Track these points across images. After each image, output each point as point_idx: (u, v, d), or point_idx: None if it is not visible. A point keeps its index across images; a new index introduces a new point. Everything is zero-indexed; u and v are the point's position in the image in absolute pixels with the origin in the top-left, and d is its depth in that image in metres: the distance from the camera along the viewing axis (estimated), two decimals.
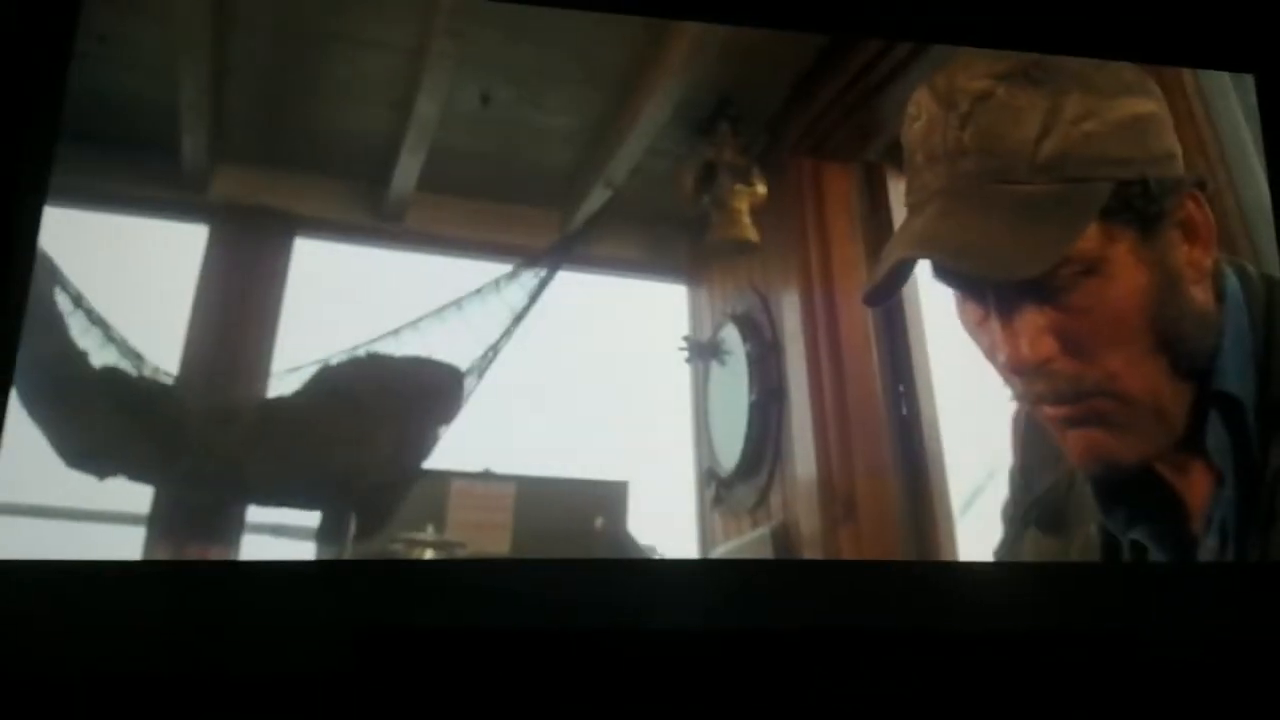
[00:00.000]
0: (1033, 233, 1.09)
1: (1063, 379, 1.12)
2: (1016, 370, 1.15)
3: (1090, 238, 1.09)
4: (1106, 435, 1.14)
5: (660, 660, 1.21)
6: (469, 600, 1.24)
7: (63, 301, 1.42)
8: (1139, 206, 1.09)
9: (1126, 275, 1.10)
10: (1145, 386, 1.12)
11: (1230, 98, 1.55)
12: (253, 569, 1.21)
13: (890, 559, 1.60)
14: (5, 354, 1.21)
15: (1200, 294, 1.13)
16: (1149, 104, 1.15)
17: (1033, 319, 1.11)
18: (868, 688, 1.24)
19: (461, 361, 1.55)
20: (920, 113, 1.17)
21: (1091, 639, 1.28)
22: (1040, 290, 1.10)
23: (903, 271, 1.16)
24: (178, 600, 1.17)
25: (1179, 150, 1.16)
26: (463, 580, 1.33)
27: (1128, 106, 1.13)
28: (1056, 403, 1.14)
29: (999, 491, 1.45)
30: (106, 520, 1.35)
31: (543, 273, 1.64)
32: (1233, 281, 1.17)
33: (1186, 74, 1.54)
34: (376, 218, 1.68)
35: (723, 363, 1.79)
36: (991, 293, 1.13)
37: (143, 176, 1.61)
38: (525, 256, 1.67)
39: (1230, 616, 1.30)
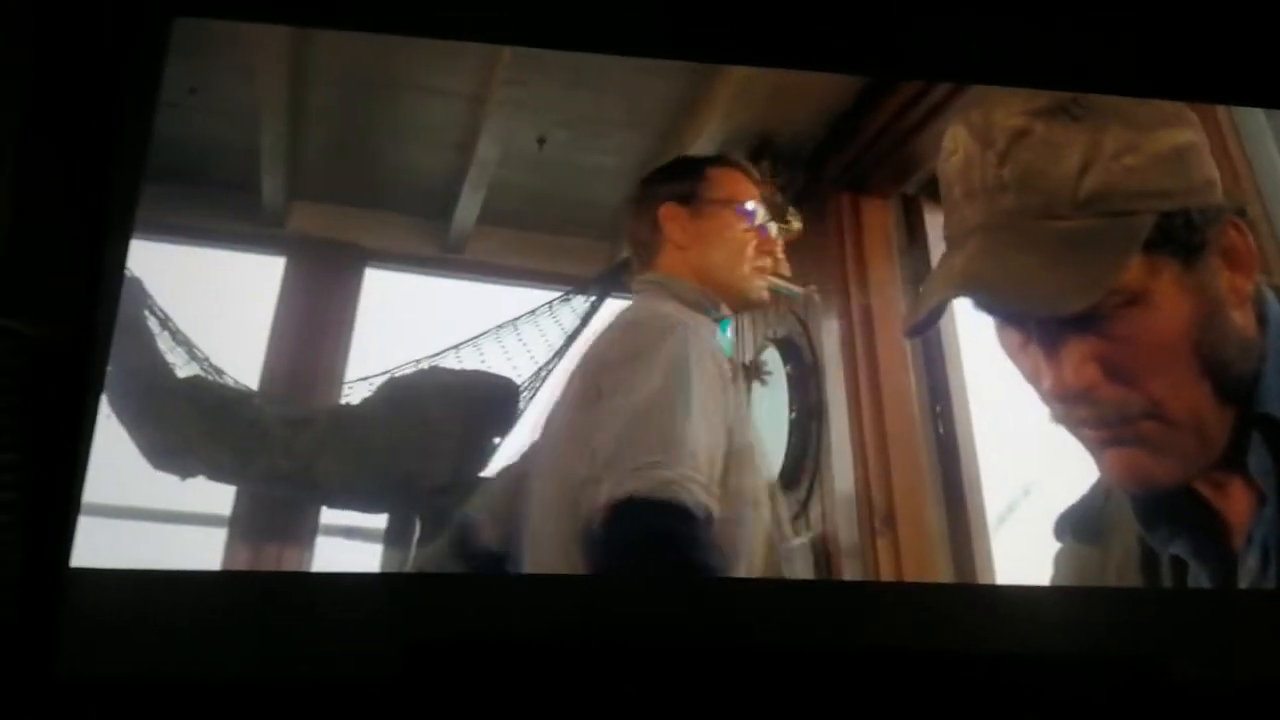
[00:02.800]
0: (1076, 268, 1.07)
1: (1107, 405, 1.11)
2: (1060, 398, 1.13)
3: (1134, 270, 1.07)
4: (1146, 456, 1.12)
5: (702, 675, 1.24)
6: (518, 613, 1.28)
7: (152, 324, 1.51)
8: (1182, 238, 1.08)
9: (1170, 304, 1.09)
10: (1189, 411, 1.10)
11: (1265, 132, 1.58)
12: (308, 579, 1.25)
13: (923, 578, 1.62)
14: (96, 369, 1.31)
15: (1242, 318, 1.12)
16: (1187, 134, 1.14)
17: (1075, 347, 1.10)
18: (898, 709, 1.25)
19: (516, 377, 1.63)
20: (957, 148, 1.16)
21: (1125, 664, 1.29)
22: (1083, 319, 1.09)
23: (942, 307, 1.17)
24: (236, 608, 1.23)
25: (1218, 177, 1.15)
26: (512, 594, 1.37)
27: (1167, 138, 1.12)
28: (1099, 427, 1.13)
29: (1033, 508, 1.48)
30: (188, 521, 1.44)
31: (593, 298, 1.72)
32: (1274, 305, 1.16)
33: (1221, 109, 1.58)
34: (440, 249, 1.77)
35: (764, 383, 1.82)
36: (1033, 321, 1.13)
37: (226, 213, 1.73)
38: (577, 284, 1.75)
39: (1269, 644, 1.31)
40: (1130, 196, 1.08)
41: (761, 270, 1.57)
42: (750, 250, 1.56)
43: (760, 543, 1.41)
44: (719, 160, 1.64)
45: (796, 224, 1.84)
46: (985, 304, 1.16)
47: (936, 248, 1.73)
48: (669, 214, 1.55)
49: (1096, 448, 1.16)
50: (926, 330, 1.26)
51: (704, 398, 1.35)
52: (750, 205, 1.59)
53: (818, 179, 1.88)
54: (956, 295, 1.15)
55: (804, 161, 1.87)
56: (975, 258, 1.13)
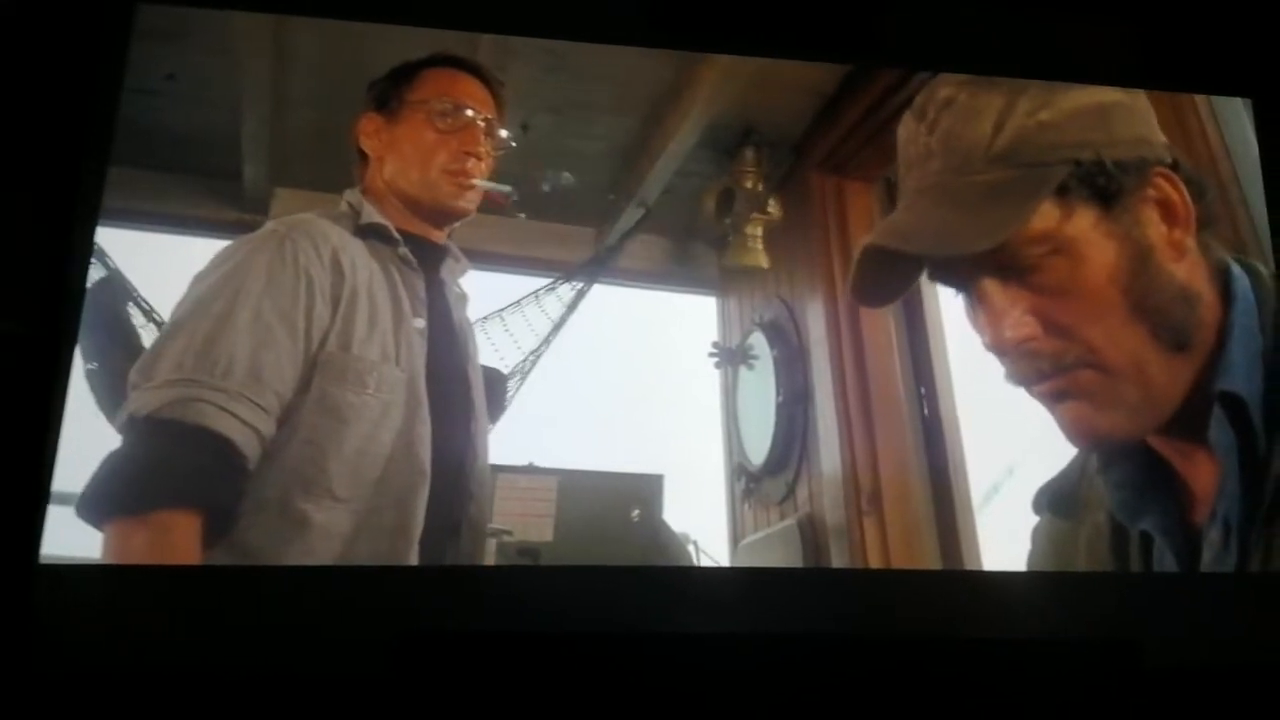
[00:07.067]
0: (986, 214, 1.13)
1: (1044, 357, 1.15)
2: (1000, 350, 1.18)
3: (1049, 216, 1.13)
4: (1090, 408, 1.16)
5: (691, 664, 1.27)
6: (505, 605, 1.30)
7: (136, 315, 1.49)
8: (1099, 184, 1.13)
9: (1094, 251, 1.13)
10: (1126, 358, 1.14)
11: (1242, 118, 1.60)
12: (298, 573, 1.23)
13: (909, 556, 1.64)
14: (64, 362, 1.29)
15: (1183, 271, 1.15)
16: (1114, 94, 1.20)
17: (1014, 303, 1.15)
18: (873, 692, 1.28)
19: (504, 366, 1.62)
20: (903, 129, 1.24)
21: (1099, 647, 1.32)
22: (1015, 273, 1.14)
23: (877, 266, 1.19)
24: (223, 602, 1.22)
25: (1156, 139, 1.18)
26: (499, 586, 1.39)
27: (1088, 96, 1.18)
28: (1041, 380, 1.17)
29: (1017, 487, 1.50)
30: None
31: (579, 285, 1.72)
32: (1243, 282, 1.19)
33: (1198, 95, 1.60)
34: None
35: (751, 367, 1.84)
36: (973, 283, 1.18)
37: (208, 200, 1.72)
38: (563, 270, 1.75)
39: (1236, 624, 1.34)
40: (1043, 149, 1.14)
41: (456, 174, 1.42)
42: (443, 154, 1.42)
43: (377, 452, 1.28)
44: (434, 59, 1.47)
45: (776, 211, 1.86)
46: (907, 255, 1.19)
47: None
48: (365, 126, 1.44)
49: (1050, 404, 1.19)
50: (870, 295, 1.30)
51: (259, 305, 1.25)
52: (446, 102, 1.43)
53: (804, 162, 1.89)
54: (873, 244, 1.19)
55: (789, 146, 1.88)
56: (898, 214, 1.21)
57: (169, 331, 1.27)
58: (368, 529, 1.25)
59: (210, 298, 1.26)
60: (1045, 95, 1.17)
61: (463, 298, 1.48)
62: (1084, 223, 1.14)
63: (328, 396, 1.26)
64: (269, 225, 1.34)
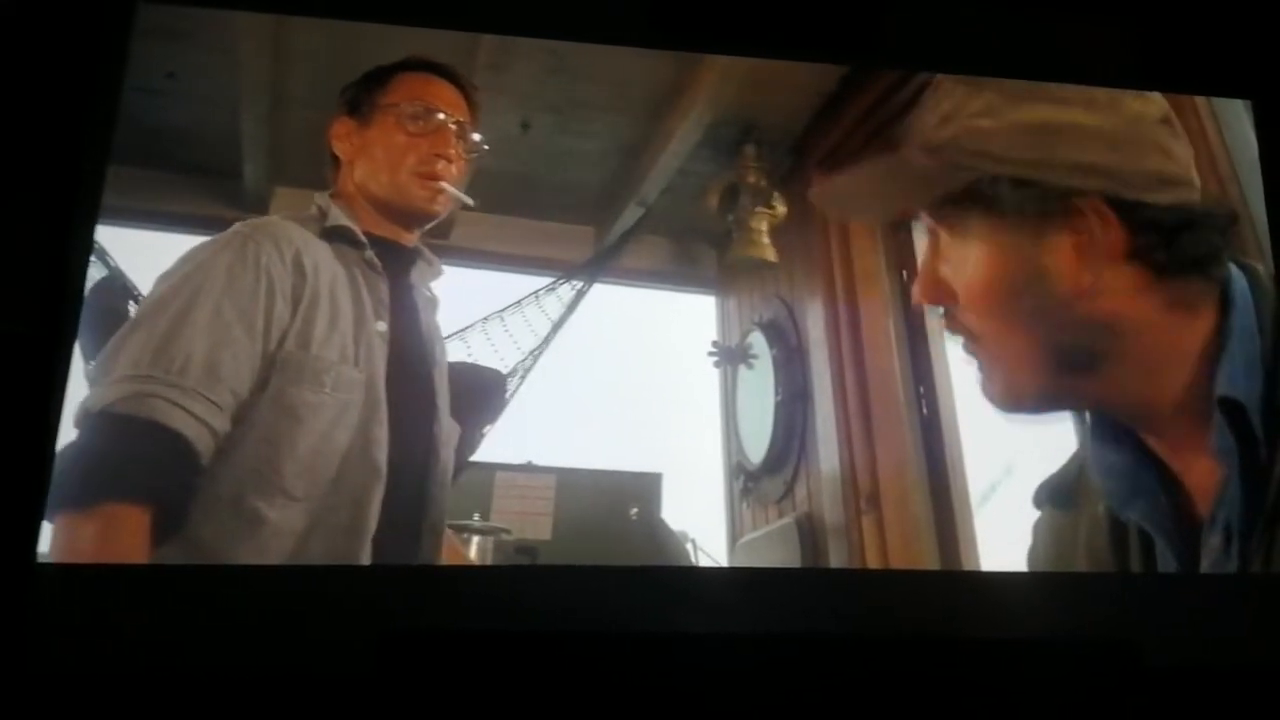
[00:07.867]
0: (888, 193, 1.26)
1: (955, 321, 1.22)
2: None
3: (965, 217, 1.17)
4: (983, 376, 1.23)
5: (689, 664, 1.26)
6: (501, 605, 1.28)
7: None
8: (997, 196, 1.15)
9: (991, 255, 1.17)
10: (1002, 351, 1.19)
11: (1243, 118, 1.60)
12: (281, 571, 1.23)
13: (907, 555, 1.64)
14: (62, 363, 1.29)
15: (1083, 307, 1.14)
16: (1076, 115, 1.19)
17: (927, 272, 1.22)
18: (872, 692, 1.27)
19: (504, 366, 1.62)
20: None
21: (1099, 648, 1.32)
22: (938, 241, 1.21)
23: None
24: (207, 601, 1.22)
25: (1111, 167, 1.16)
26: (486, 585, 1.39)
27: (1038, 113, 1.19)
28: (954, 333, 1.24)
29: (1015, 487, 1.50)
30: None
31: (579, 285, 1.72)
32: (1241, 283, 1.17)
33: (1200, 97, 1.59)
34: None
35: (750, 366, 1.85)
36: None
37: (208, 199, 1.73)
38: (563, 270, 1.75)
39: (1235, 625, 1.33)
40: (967, 153, 1.16)
41: (426, 176, 1.42)
42: (413, 156, 1.42)
43: (332, 453, 1.29)
44: (407, 63, 1.47)
45: (781, 208, 1.86)
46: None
47: (919, 230, 1.74)
48: (338, 130, 1.44)
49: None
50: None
51: (219, 304, 1.25)
52: (418, 105, 1.44)
53: (804, 162, 1.89)
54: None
55: (789, 145, 1.89)
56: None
57: (129, 328, 1.27)
58: (321, 527, 1.25)
59: (171, 296, 1.27)
60: (996, 102, 1.18)
61: (433, 301, 1.48)
62: (983, 227, 1.17)
63: (285, 395, 1.26)
64: (234, 226, 1.35)
